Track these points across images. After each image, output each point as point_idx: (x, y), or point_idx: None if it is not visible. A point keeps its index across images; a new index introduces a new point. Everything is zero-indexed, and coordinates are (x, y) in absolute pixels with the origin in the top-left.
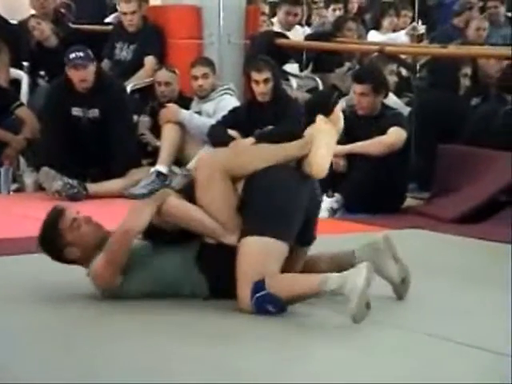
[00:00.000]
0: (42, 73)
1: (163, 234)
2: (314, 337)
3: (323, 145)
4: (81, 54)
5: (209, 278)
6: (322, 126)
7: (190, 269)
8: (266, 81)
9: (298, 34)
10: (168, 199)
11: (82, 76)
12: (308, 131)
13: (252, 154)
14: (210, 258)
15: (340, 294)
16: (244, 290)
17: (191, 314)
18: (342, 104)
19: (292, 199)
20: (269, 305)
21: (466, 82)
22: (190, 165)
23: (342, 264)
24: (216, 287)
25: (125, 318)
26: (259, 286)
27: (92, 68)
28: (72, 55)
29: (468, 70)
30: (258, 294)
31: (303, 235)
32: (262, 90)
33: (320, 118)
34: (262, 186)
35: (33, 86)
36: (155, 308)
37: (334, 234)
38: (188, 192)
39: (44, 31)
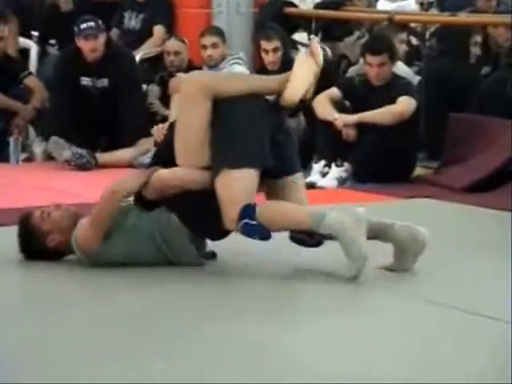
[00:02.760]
0: (53, 41)
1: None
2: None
3: (300, 76)
4: (92, 24)
5: (179, 214)
6: (302, 59)
7: (159, 212)
8: (275, 50)
9: (306, 3)
10: (157, 173)
11: (93, 46)
12: (289, 72)
13: (237, 79)
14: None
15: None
16: (231, 212)
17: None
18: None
19: (251, 124)
20: (255, 234)
21: (476, 51)
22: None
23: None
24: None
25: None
26: (249, 211)
27: (102, 38)
28: (83, 25)
29: (478, 39)
30: (247, 221)
31: (282, 166)
32: (271, 58)
33: (302, 52)
34: (231, 110)
35: (43, 54)
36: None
37: (343, 204)
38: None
39: None
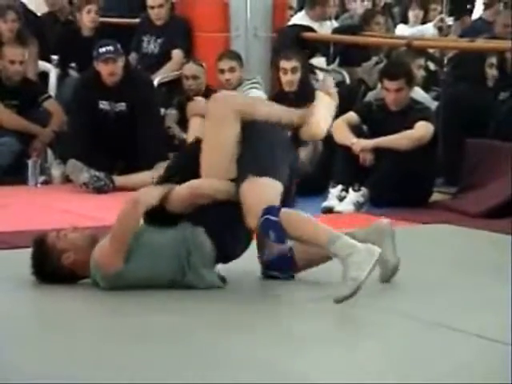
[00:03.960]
0: (73, 64)
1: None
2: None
3: (323, 112)
4: (111, 48)
5: (207, 232)
6: (322, 98)
7: (184, 227)
8: (293, 69)
9: (325, 27)
10: (188, 183)
11: (112, 70)
12: (313, 104)
13: (266, 105)
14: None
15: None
16: (255, 209)
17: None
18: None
19: (281, 149)
20: (272, 232)
21: (493, 73)
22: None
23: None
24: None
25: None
26: (274, 210)
27: (121, 62)
28: (102, 49)
29: (493, 60)
30: (268, 216)
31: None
32: (289, 78)
33: (320, 93)
34: (258, 131)
35: (62, 77)
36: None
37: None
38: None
39: (95, 20)
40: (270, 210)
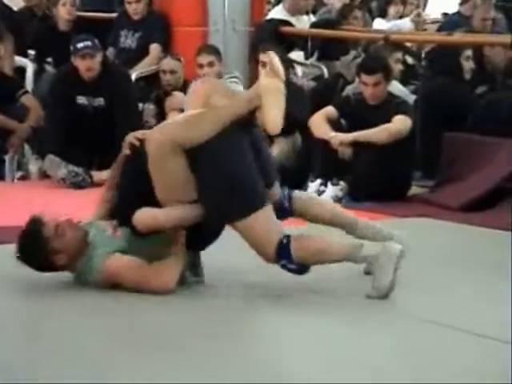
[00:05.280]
0: (49, 59)
1: None
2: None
3: (274, 104)
4: (88, 43)
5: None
6: (267, 84)
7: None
8: None
9: (302, 21)
10: (151, 213)
11: (89, 65)
12: (253, 87)
13: (199, 120)
14: None
15: (367, 263)
16: (267, 253)
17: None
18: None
19: (242, 162)
20: (296, 274)
21: (469, 65)
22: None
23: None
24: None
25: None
26: (286, 253)
27: (99, 57)
28: (80, 45)
29: (469, 53)
30: (285, 263)
31: (265, 179)
32: None
33: (262, 72)
34: (211, 161)
35: (39, 72)
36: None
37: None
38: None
39: (72, 13)
40: (283, 254)
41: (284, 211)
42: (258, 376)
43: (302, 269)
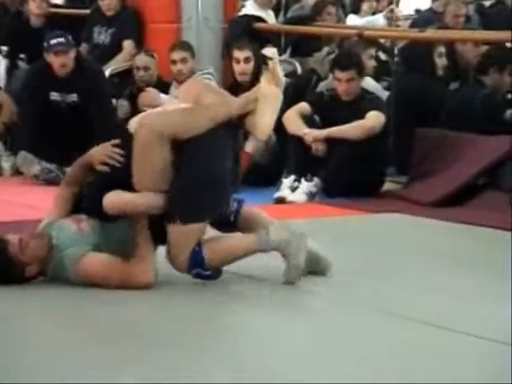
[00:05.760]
0: (22, 56)
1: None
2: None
3: (269, 111)
4: (62, 39)
5: None
6: (267, 90)
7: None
8: (246, 59)
9: (270, 17)
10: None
11: (63, 61)
12: (253, 90)
13: (193, 115)
14: None
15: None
16: (179, 259)
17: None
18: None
19: (223, 164)
20: (209, 279)
21: (442, 62)
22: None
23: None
24: None
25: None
26: (199, 260)
27: (72, 54)
28: (53, 41)
29: (442, 49)
30: (199, 271)
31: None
32: (242, 68)
33: (263, 77)
34: (195, 156)
35: (12, 68)
36: None
37: (313, 218)
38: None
39: (41, 7)
40: (196, 262)
41: (227, 225)
42: (234, 373)
43: (216, 274)
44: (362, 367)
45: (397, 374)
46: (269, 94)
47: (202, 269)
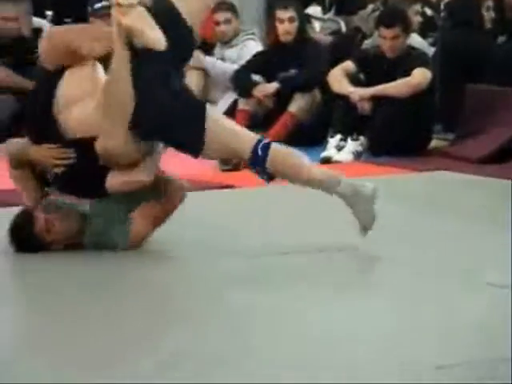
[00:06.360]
0: (67, 20)
1: None
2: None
3: (148, 27)
4: (106, 3)
5: None
6: (129, 19)
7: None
8: (290, 19)
9: None
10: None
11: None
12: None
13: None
14: None
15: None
16: (244, 147)
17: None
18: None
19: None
20: (261, 174)
21: (490, 15)
22: None
23: None
24: None
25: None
26: (262, 153)
27: None
28: (97, 5)
29: (489, 2)
30: (258, 169)
31: None
32: (286, 28)
33: (115, 14)
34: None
35: None
36: None
37: (359, 177)
38: None
39: None
40: (258, 159)
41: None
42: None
43: (270, 178)
44: None
45: None
46: (134, 17)
47: (262, 170)
